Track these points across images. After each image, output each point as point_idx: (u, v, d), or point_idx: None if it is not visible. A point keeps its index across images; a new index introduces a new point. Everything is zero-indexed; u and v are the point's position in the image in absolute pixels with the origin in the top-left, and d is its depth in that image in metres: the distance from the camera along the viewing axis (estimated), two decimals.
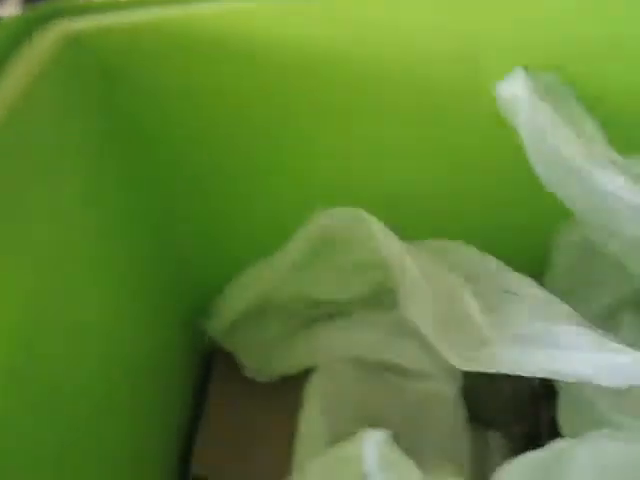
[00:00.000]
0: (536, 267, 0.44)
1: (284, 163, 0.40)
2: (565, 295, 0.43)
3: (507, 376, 0.37)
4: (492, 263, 0.33)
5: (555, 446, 0.23)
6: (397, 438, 0.35)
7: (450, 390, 0.36)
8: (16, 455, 0.22)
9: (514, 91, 0.32)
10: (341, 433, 0.37)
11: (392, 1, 0.33)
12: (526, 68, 0.34)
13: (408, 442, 0.36)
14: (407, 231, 0.39)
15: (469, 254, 0.35)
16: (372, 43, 0.34)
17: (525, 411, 0.42)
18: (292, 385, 0.42)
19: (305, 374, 0.41)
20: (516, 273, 0.31)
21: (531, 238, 0.44)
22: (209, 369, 0.49)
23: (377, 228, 0.31)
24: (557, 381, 0.35)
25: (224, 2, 0.32)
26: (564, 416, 0.31)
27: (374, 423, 0.37)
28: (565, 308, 0.28)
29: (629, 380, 0.23)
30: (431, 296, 0.29)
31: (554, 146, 0.32)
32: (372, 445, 0.22)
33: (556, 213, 0.38)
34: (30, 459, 0.23)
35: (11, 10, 0.58)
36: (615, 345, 0.25)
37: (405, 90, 0.36)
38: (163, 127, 0.36)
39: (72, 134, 0.30)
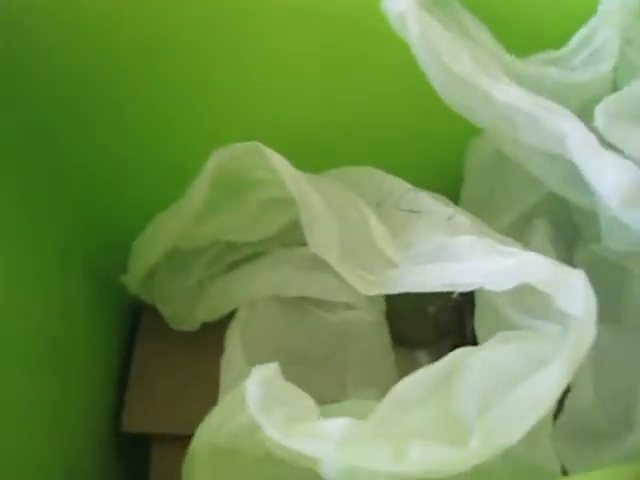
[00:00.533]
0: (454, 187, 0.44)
1: (190, 105, 0.38)
2: (482, 206, 0.44)
3: (430, 295, 0.38)
4: (397, 184, 0.32)
5: (450, 356, 0.23)
6: (321, 370, 0.36)
7: (372, 317, 0.36)
8: None
9: (399, 7, 0.30)
10: None
11: None
12: None
13: (334, 373, 0.36)
14: (318, 161, 0.38)
15: (375, 177, 0.34)
16: None
17: (451, 326, 0.43)
18: (218, 331, 0.41)
19: (230, 319, 0.40)
20: (421, 192, 0.31)
21: (447, 154, 0.44)
22: (137, 324, 0.48)
23: (275, 159, 0.30)
24: (475, 290, 0.35)
25: None
26: (478, 324, 0.32)
27: (297, 357, 0.37)
28: (465, 221, 0.28)
29: (516, 280, 0.24)
30: (335, 225, 0.29)
31: (446, 62, 0.31)
32: (253, 384, 0.21)
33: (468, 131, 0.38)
34: None
35: None
36: (505, 249, 0.25)
37: (294, 15, 0.35)
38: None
39: None
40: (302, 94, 0.39)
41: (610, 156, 0.28)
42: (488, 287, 0.24)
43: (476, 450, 0.17)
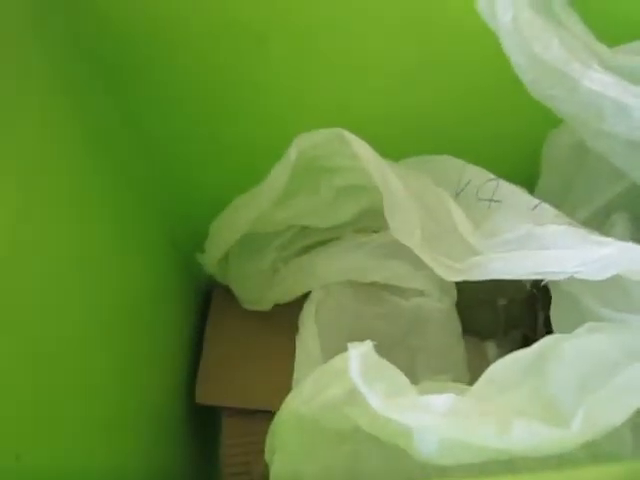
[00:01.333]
0: (530, 177, 0.44)
1: (276, 92, 0.39)
2: (558, 199, 0.43)
3: (501, 286, 0.38)
4: (477, 173, 0.32)
5: (542, 342, 0.23)
6: (393, 354, 0.36)
7: (444, 305, 0.37)
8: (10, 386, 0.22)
9: None
10: (340, 351, 0.38)
11: None
12: None
13: (405, 358, 0.36)
14: (396, 151, 0.39)
15: (454, 166, 0.34)
16: None
17: (521, 319, 0.43)
18: (289, 312, 0.42)
19: (301, 301, 0.41)
20: (501, 181, 0.31)
21: (523, 148, 0.44)
22: (209, 304, 0.49)
23: (358, 145, 0.31)
24: (550, 282, 0.35)
25: None
26: (555, 315, 0.32)
27: (373, 339, 0.38)
28: (551, 210, 0.28)
29: (614, 270, 0.23)
30: (416, 211, 0.29)
31: (536, 49, 0.31)
32: (356, 357, 0.22)
33: (546, 121, 0.37)
34: (24, 392, 0.23)
35: None
36: (599, 238, 0.25)
37: (386, 4, 0.35)
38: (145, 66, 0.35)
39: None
40: (387, 89, 0.39)
41: None
42: (581, 276, 0.24)
43: (580, 430, 0.17)
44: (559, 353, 0.21)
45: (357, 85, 0.39)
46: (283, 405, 0.25)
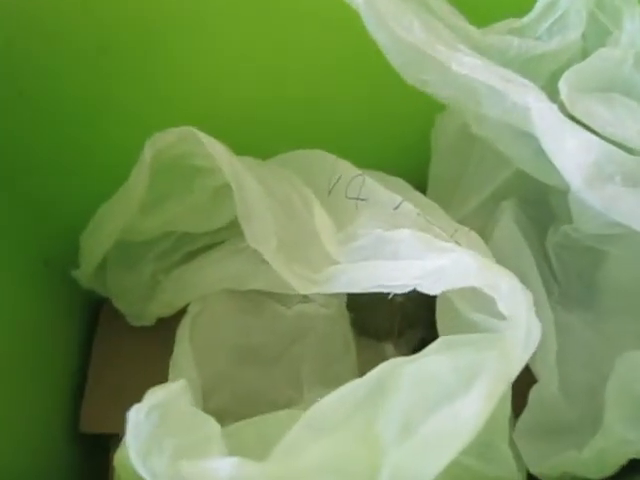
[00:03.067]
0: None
1: (130, 89, 0.36)
2: (450, 186, 0.41)
3: None
4: (346, 169, 0.30)
5: (380, 368, 0.21)
6: (276, 367, 0.34)
7: (329, 311, 0.34)
8: None
9: None
10: (219, 368, 0.35)
11: None
12: None
13: (289, 370, 0.34)
14: (274, 145, 0.36)
15: (326, 162, 0.32)
16: None
17: (419, 317, 0.41)
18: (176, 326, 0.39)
19: None
20: (367, 177, 0.28)
21: (414, 132, 0.42)
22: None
23: (209, 144, 0.28)
24: None
25: None
26: (439, 318, 0.30)
27: (251, 355, 0.35)
28: (412, 210, 0.26)
29: (444, 284, 0.21)
30: (274, 216, 0.26)
31: (396, 31, 0.28)
32: (135, 421, 0.19)
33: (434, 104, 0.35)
34: None
35: None
36: (441, 245, 0.22)
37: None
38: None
39: None
40: (252, 73, 0.36)
41: (574, 130, 0.25)
42: (421, 289, 0.22)
43: None
44: (396, 381, 0.19)
45: (222, 79, 0.36)
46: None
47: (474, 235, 0.26)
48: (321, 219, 0.26)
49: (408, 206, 0.26)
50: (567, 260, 0.36)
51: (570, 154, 0.24)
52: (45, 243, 0.42)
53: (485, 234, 0.39)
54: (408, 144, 0.42)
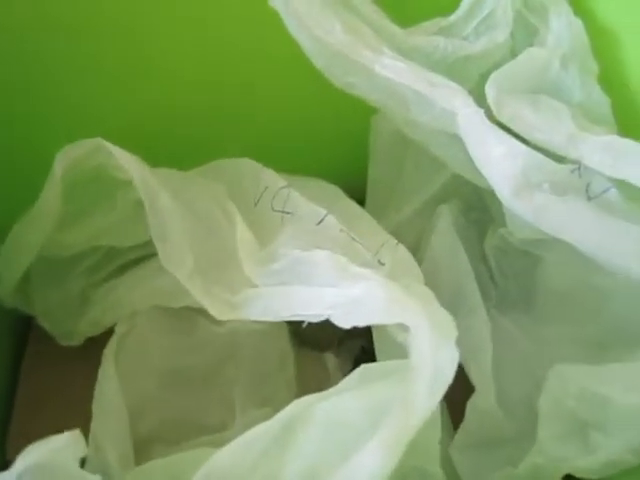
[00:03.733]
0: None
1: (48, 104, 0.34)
2: (388, 189, 0.40)
3: None
4: (272, 180, 0.28)
5: (291, 407, 0.19)
6: (207, 390, 0.32)
7: (262, 326, 0.33)
8: None
9: None
10: (147, 392, 0.33)
11: None
12: None
13: (221, 393, 0.32)
14: (212, 151, 0.34)
15: (252, 171, 0.30)
16: None
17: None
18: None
19: None
20: (292, 189, 0.27)
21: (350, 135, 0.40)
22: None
23: (120, 156, 0.26)
24: None
25: None
26: (374, 331, 0.29)
27: (181, 376, 0.33)
28: (335, 225, 0.24)
29: (361, 318, 0.20)
30: (192, 234, 0.24)
31: (316, 34, 0.27)
32: None
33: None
34: None
35: None
36: (356, 271, 0.21)
37: None
38: None
39: None
40: (173, 79, 0.34)
41: (498, 136, 0.24)
42: (334, 321, 0.21)
43: None
44: (306, 421, 0.18)
45: (144, 87, 0.34)
46: None
47: (401, 249, 0.25)
48: (242, 236, 0.24)
49: (332, 221, 0.24)
50: (504, 263, 0.35)
51: (496, 163, 0.24)
52: None
53: (424, 238, 0.38)
54: (348, 147, 0.40)
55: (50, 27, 0.31)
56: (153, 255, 0.38)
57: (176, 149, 0.33)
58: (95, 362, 0.38)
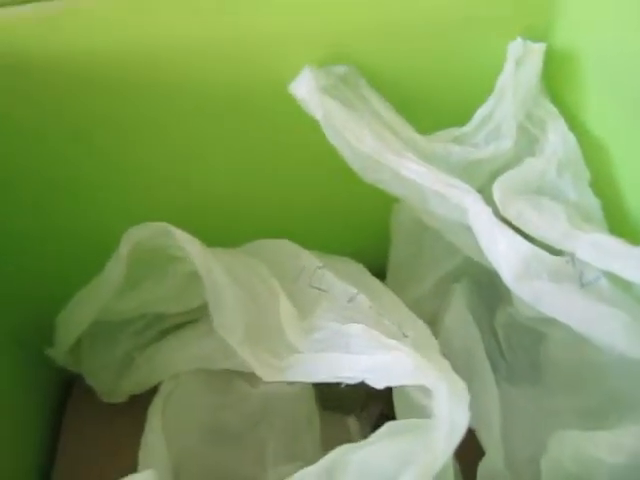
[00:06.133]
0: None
1: (107, 180, 0.39)
2: (409, 269, 0.45)
3: None
4: (309, 260, 0.33)
5: (331, 455, 0.23)
6: (242, 446, 0.36)
7: (295, 387, 0.36)
8: None
9: (302, 92, 0.32)
10: (189, 446, 0.36)
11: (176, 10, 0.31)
12: (323, 63, 0.34)
13: (254, 449, 0.36)
14: (244, 232, 0.39)
15: (291, 252, 0.35)
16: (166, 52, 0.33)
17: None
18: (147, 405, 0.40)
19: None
20: (326, 270, 0.31)
21: (376, 220, 0.45)
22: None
23: (183, 239, 0.31)
24: None
25: None
26: (395, 397, 0.32)
27: (219, 433, 0.37)
28: (365, 303, 0.29)
29: (392, 380, 0.24)
30: (243, 305, 0.29)
31: (351, 141, 0.32)
32: None
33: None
34: None
35: None
36: (387, 342, 0.25)
37: (212, 96, 0.35)
38: None
39: None
40: (224, 170, 0.39)
41: (503, 232, 0.29)
42: (370, 383, 0.25)
43: None
44: (345, 467, 0.21)
45: (194, 169, 0.39)
46: None
47: (420, 324, 0.29)
48: (285, 308, 0.29)
49: (362, 298, 0.29)
50: (513, 339, 0.39)
51: (501, 254, 0.28)
52: (19, 323, 0.43)
53: (440, 313, 0.42)
54: (372, 230, 0.45)
55: (104, 118, 0.35)
56: (193, 321, 0.42)
57: (218, 231, 0.38)
58: (135, 419, 0.41)
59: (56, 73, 0.31)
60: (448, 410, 0.21)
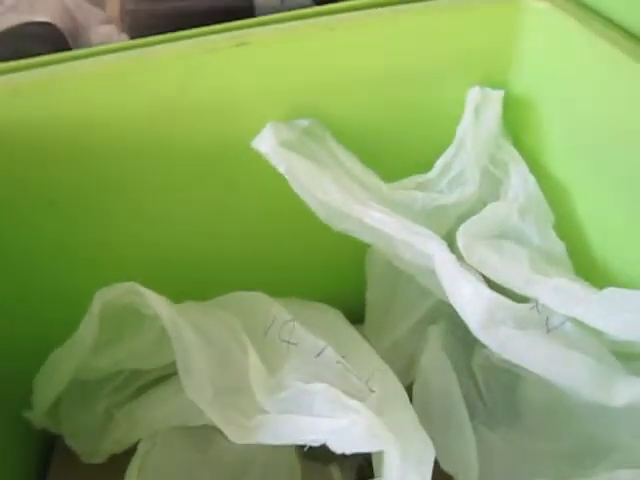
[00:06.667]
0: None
1: (77, 242, 0.39)
2: (383, 311, 0.45)
3: None
4: (279, 312, 0.33)
5: None
6: None
7: None
8: None
9: (265, 147, 0.32)
10: None
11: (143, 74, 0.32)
12: (287, 117, 0.35)
13: None
14: (220, 286, 0.39)
15: (263, 304, 0.35)
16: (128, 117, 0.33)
17: None
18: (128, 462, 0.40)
19: None
20: (296, 323, 0.31)
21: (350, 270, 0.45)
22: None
23: (151, 298, 0.31)
24: None
25: None
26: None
27: None
28: (333, 357, 0.29)
29: (350, 445, 0.24)
30: (211, 364, 0.29)
31: (316, 194, 0.33)
32: None
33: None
34: None
35: None
36: (348, 403, 0.25)
37: (180, 158, 0.36)
38: None
39: None
40: (192, 226, 0.40)
41: (467, 279, 0.29)
42: (332, 447, 0.25)
43: None
44: None
45: (165, 230, 0.39)
46: None
47: (390, 376, 0.29)
48: (254, 366, 0.29)
49: (330, 353, 0.29)
50: (491, 380, 0.39)
51: (466, 301, 0.28)
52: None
53: (416, 356, 0.42)
54: (349, 274, 0.45)
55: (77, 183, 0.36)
56: (171, 375, 0.42)
57: (193, 285, 0.38)
58: (117, 478, 0.41)
59: (19, 143, 0.32)
60: (400, 476, 0.21)
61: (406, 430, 0.24)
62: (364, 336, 0.36)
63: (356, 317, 0.43)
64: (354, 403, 0.25)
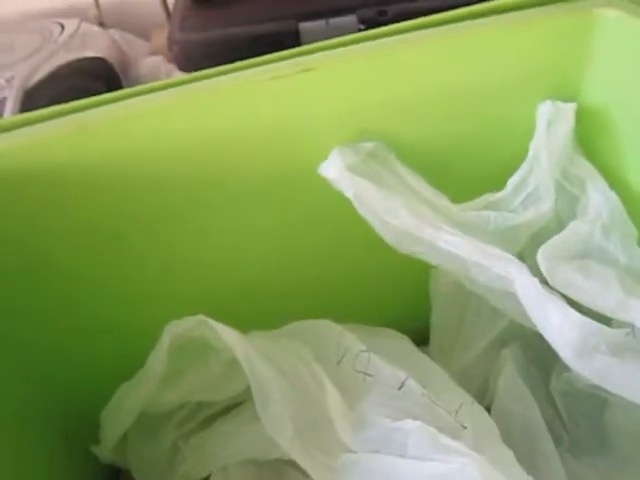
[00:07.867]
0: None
1: (144, 275, 0.39)
2: (451, 335, 0.43)
3: None
4: (352, 343, 0.32)
5: None
6: None
7: None
8: None
9: (332, 173, 0.31)
10: None
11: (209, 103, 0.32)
12: (351, 140, 0.34)
13: None
14: (281, 315, 0.38)
15: (333, 333, 0.34)
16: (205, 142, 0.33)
17: None
18: None
19: None
20: (372, 354, 0.30)
21: (412, 286, 0.44)
22: None
23: (224, 333, 0.30)
24: None
25: None
26: None
27: None
28: (416, 389, 0.28)
29: None
30: (288, 401, 0.28)
31: (385, 219, 0.32)
32: None
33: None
34: None
35: None
36: (447, 443, 0.24)
37: (246, 187, 0.36)
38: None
39: None
40: (260, 256, 0.39)
41: (556, 306, 0.28)
42: None
43: None
44: None
45: (229, 258, 0.39)
46: None
47: (478, 409, 0.28)
48: (333, 399, 0.28)
49: (412, 385, 0.28)
50: (573, 406, 0.37)
51: (556, 330, 0.27)
52: (66, 417, 0.43)
53: (489, 380, 0.40)
54: (410, 295, 0.44)
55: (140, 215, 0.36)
56: (237, 404, 0.42)
57: (256, 314, 0.37)
58: None
59: (87, 180, 0.32)
60: None
61: (507, 470, 0.22)
62: None
63: (417, 339, 0.41)
64: (455, 444, 0.24)
